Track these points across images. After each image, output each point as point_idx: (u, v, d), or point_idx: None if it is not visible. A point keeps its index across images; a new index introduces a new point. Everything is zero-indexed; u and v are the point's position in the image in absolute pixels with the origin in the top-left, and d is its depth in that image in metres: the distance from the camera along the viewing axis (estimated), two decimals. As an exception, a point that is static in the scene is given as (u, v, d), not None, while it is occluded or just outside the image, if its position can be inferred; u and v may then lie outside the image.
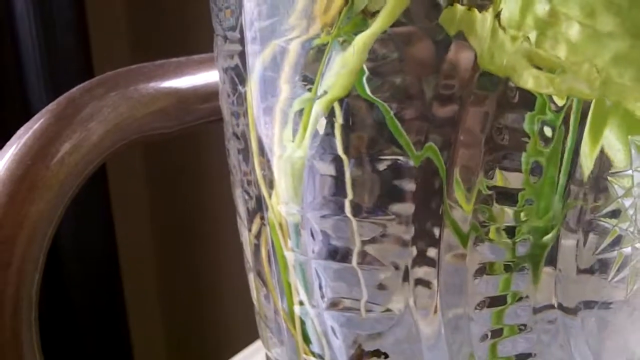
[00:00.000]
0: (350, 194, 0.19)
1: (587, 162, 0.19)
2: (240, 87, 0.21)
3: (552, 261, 0.19)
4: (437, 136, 0.18)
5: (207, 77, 0.31)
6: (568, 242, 0.19)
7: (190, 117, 0.30)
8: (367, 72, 0.18)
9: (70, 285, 0.73)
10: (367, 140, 0.19)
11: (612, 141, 0.18)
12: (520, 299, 0.19)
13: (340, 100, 0.18)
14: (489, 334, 0.20)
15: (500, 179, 0.18)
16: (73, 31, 0.67)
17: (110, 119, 0.27)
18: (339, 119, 0.18)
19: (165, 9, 0.74)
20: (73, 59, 0.68)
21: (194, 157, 0.78)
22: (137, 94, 0.28)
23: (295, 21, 0.18)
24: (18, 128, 0.27)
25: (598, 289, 0.20)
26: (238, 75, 0.21)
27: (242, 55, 0.20)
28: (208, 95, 0.30)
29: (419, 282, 0.19)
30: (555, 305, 0.20)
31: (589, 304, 0.20)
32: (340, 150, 0.19)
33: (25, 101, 0.67)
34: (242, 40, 0.20)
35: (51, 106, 0.27)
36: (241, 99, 0.21)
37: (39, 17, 0.65)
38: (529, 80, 0.17)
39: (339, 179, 0.19)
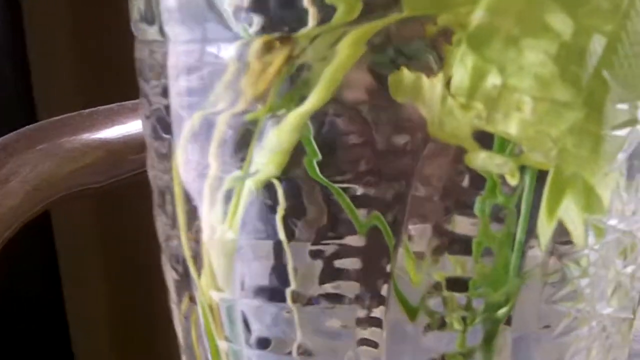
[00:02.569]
0: (292, 282, 0.17)
1: (543, 237, 0.17)
2: (164, 148, 0.19)
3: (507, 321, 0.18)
4: (385, 210, 0.17)
5: (140, 125, 0.28)
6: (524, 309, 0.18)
7: (121, 170, 0.28)
8: (319, 154, 0.16)
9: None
10: (312, 221, 0.17)
11: (570, 218, 0.17)
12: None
13: (279, 179, 0.17)
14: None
15: (455, 262, 0.17)
16: (11, 58, 0.66)
17: (30, 179, 0.25)
18: (281, 200, 0.17)
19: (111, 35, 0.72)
20: (12, 87, 0.66)
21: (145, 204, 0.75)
22: (62, 149, 0.26)
23: (222, 92, 0.17)
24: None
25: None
26: (164, 127, 0.19)
27: (168, 110, 0.19)
28: (141, 145, 0.28)
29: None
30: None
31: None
32: (280, 234, 0.17)
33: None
34: (167, 109, 0.19)
35: (-36, 166, 0.25)
36: (167, 164, 0.19)
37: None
38: (477, 160, 0.16)
39: (277, 264, 0.17)
